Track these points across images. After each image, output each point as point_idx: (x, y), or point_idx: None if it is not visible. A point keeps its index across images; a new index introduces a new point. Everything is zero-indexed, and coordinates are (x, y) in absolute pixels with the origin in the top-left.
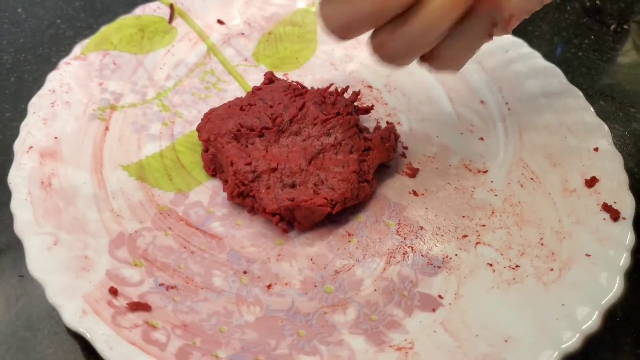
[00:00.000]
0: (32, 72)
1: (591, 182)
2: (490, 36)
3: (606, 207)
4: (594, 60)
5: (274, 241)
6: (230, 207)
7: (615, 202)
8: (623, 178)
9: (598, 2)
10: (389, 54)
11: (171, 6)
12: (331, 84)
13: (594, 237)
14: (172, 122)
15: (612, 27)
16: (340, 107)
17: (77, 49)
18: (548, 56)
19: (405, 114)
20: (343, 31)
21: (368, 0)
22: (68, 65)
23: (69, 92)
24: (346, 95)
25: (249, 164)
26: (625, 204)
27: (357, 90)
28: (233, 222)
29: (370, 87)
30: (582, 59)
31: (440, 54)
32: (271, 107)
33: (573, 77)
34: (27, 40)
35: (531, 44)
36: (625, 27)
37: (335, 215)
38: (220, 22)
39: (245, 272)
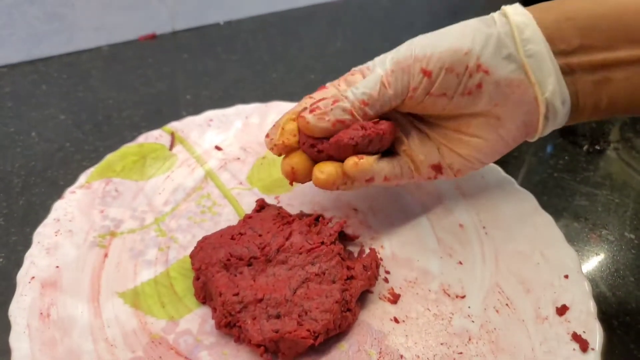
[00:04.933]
0: (40, 195)
1: (562, 310)
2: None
3: (576, 337)
4: (568, 180)
5: None
6: (218, 336)
7: (584, 332)
8: (591, 307)
9: None
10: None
11: (172, 134)
12: (317, 214)
13: None
14: (167, 247)
15: (585, 147)
16: (324, 236)
17: (82, 178)
18: (524, 177)
19: (388, 238)
20: None
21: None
22: (73, 193)
23: (72, 221)
24: (330, 225)
25: (237, 294)
26: (594, 334)
27: (341, 220)
28: (220, 352)
29: (356, 209)
30: (557, 180)
31: None
32: (260, 235)
33: (549, 197)
34: (37, 164)
35: (508, 164)
36: (597, 147)
37: (319, 344)
38: (218, 148)
39: None
